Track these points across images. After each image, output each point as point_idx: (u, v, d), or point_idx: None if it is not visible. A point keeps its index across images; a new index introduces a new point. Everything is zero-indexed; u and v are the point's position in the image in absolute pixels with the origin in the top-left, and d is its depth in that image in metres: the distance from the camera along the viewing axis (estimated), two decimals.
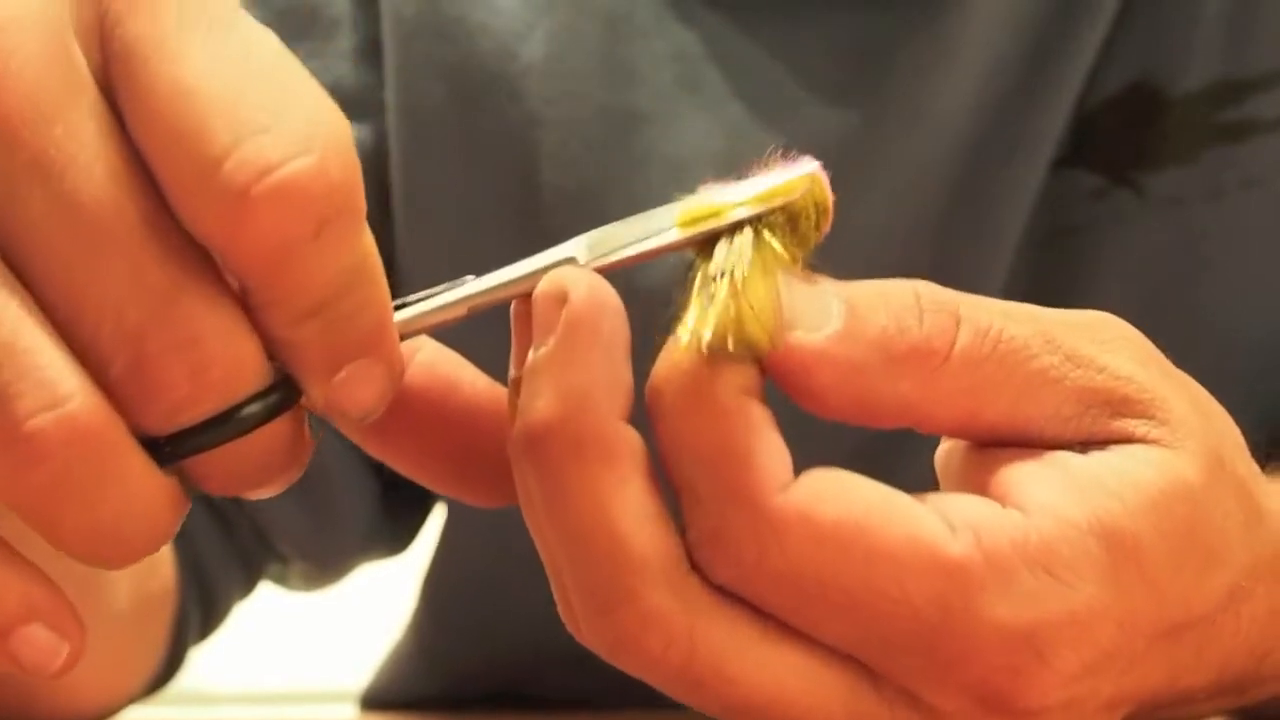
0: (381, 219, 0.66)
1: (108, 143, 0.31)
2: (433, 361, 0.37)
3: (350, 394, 0.33)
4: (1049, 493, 0.34)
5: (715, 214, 0.34)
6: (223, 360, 0.31)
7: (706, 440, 0.33)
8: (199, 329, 0.31)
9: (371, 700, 0.80)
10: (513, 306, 0.35)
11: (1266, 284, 0.64)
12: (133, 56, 0.31)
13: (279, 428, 0.33)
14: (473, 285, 0.35)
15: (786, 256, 0.34)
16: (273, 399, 0.32)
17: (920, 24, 0.61)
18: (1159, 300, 0.64)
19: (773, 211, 0.34)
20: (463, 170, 0.65)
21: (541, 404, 0.33)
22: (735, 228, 0.34)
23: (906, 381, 0.34)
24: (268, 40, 0.32)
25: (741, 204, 0.34)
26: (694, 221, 0.34)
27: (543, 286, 0.34)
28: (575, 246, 0.35)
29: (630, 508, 0.33)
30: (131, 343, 0.31)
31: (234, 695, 1.24)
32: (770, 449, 0.33)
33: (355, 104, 0.65)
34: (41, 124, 0.30)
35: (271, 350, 0.32)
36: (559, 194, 0.63)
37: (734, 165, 0.63)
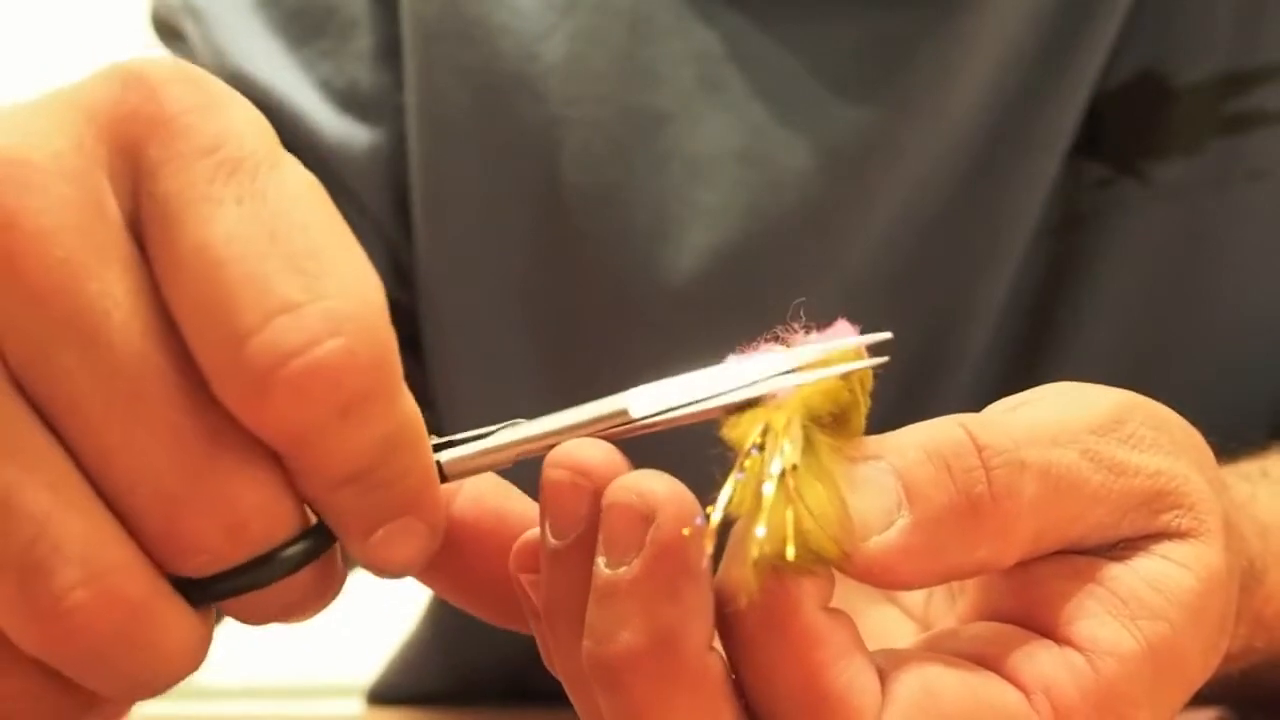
0: (399, 223, 0.66)
1: (141, 300, 0.30)
2: (480, 493, 0.35)
3: (388, 552, 0.32)
4: (1104, 628, 0.34)
5: (762, 402, 0.33)
6: (259, 516, 0.30)
7: (795, 678, 0.31)
8: (235, 490, 0.30)
9: (379, 695, 0.81)
10: (548, 468, 0.32)
11: (1271, 274, 0.65)
12: (164, 216, 0.30)
13: (313, 566, 0.32)
14: (523, 430, 0.33)
15: (838, 445, 0.32)
16: (309, 543, 0.31)
17: (939, 20, 0.61)
18: (1164, 289, 0.64)
19: (819, 397, 0.33)
20: (484, 171, 0.65)
21: (628, 636, 0.31)
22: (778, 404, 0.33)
23: (983, 549, 0.33)
24: (306, 194, 0.30)
25: (792, 373, 0.33)
26: (742, 408, 0.33)
27: (618, 495, 0.31)
28: (628, 400, 0.33)
29: None
30: (168, 505, 0.30)
31: (240, 689, 1.24)
32: (860, 676, 0.32)
33: (372, 105, 0.66)
34: (75, 282, 0.29)
35: (309, 506, 0.32)
36: (581, 194, 0.63)
37: (755, 163, 0.63)
